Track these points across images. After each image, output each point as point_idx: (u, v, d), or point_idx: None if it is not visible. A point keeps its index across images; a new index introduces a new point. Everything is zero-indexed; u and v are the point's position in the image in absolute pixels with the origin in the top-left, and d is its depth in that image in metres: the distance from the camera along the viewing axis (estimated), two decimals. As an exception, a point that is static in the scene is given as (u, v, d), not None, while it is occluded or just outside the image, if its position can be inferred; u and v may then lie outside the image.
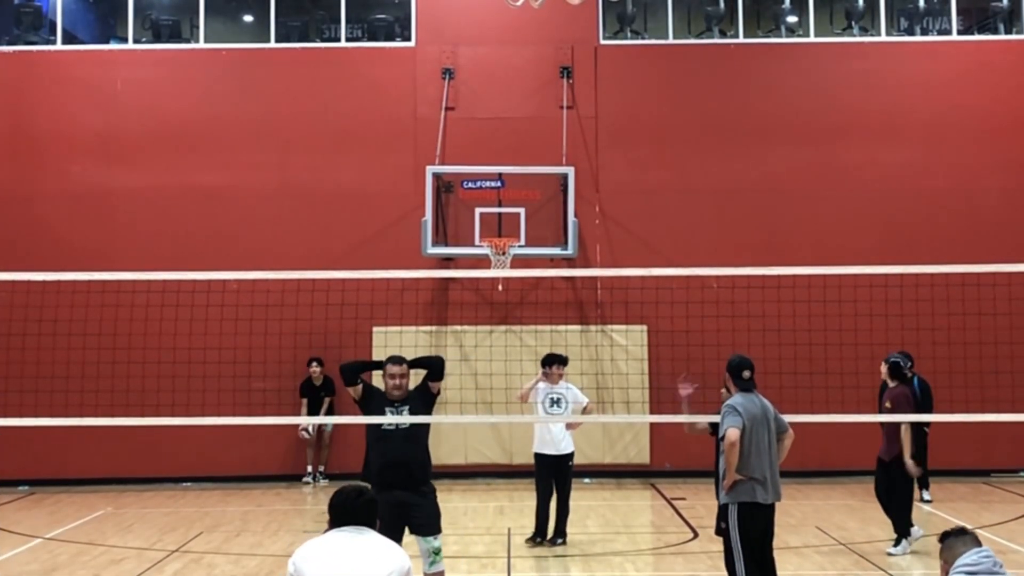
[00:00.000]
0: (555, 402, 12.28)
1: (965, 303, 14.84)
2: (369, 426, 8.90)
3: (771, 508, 8.56)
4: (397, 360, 8.86)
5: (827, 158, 18.06)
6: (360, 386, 8.85)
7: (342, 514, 5.27)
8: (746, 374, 8.61)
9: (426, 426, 8.93)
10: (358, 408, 9.04)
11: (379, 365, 9.01)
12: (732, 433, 8.30)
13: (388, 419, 8.75)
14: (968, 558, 5.25)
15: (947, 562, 5.32)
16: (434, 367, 8.98)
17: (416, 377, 8.96)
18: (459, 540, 12.86)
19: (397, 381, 8.77)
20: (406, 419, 8.74)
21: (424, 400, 8.89)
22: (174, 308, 15.02)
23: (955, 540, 5.40)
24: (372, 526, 5.25)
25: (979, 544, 5.37)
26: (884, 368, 12.46)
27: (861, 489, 15.97)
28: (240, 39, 19.48)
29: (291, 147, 18.10)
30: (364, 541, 5.12)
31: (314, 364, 17.18)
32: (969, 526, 5.57)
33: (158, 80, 18.37)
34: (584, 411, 12.48)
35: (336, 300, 15.09)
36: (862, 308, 15.38)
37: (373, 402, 8.86)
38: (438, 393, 9.01)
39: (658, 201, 17.96)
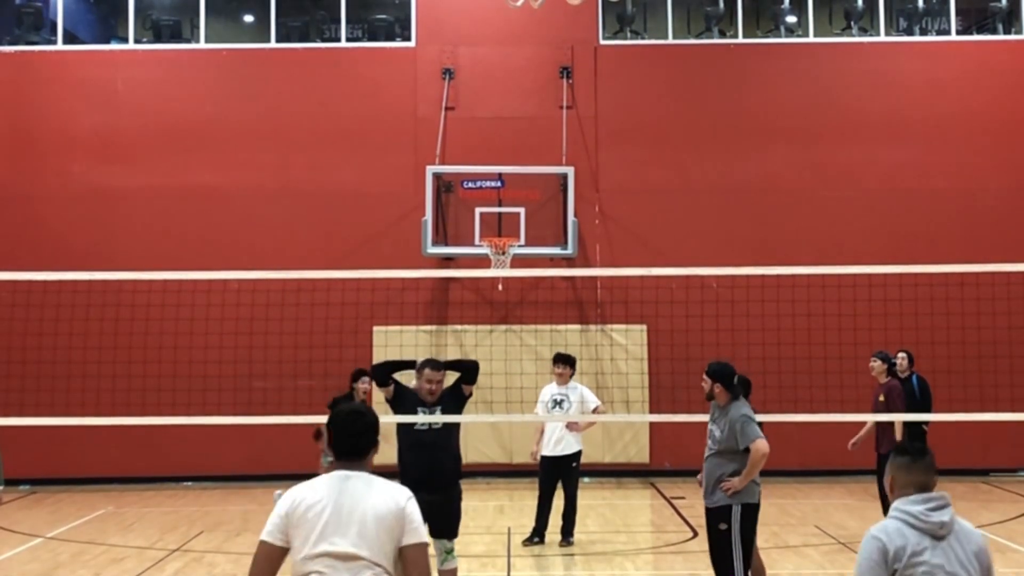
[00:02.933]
0: (557, 403, 12.28)
1: (965, 303, 14.87)
2: (401, 426, 8.88)
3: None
4: (435, 365, 8.84)
5: (827, 158, 18.08)
6: (392, 386, 8.83)
7: (344, 439, 4.83)
8: (736, 380, 8.65)
9: (456, 427, 8.92)
10: (389, 408, 9.01)
11: (411, 364, 8.96)
12: (764, 444, 8.34)
13: (420, 418, 8.75)
14: (914, 506, 4.61)
15: (895, 481, 4.71)
16: (469, 371, 8.96)
17: (447, 378, 8.96)
18: (459, 539, 12.82)
19: (433, 387, 8.75)
20: (439, 418, 8.74)
21: (456, 402, 8.88)
22: (174, 308, 15.06)
23: (909, 462, 4.72)
24: (371, 448, 4.85)
25: (932, 473, 4.72)
26: (879, 364, 12.55)
27: (860, 488, 15.99)
28: (240, 39, 19.51)
29: (291, 147, 18.11)
30: (357, 482, 4.73)
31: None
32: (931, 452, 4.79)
33: (158, 80, 18.38)
34: (594, 413, 12.44)
35: (336, 300, 15.12)
36: (862, 308, 15.41)
37: (406, 402, 8.84)
38: (470, 395, 8.99)
39: (658, 201, 17.97)
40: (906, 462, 4.71)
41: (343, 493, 4.72)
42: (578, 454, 12.37)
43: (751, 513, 8.48)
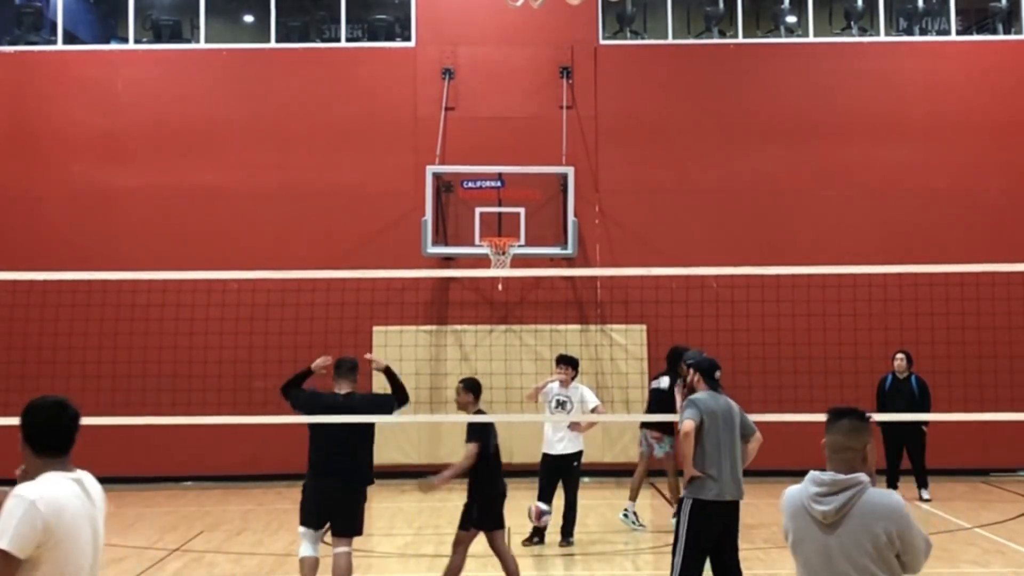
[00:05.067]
0: (560, 404, 12.30)
1: (965, 303, 14.86)
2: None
3: (731, 506, 8.54)
4: None
5: (827, 158, 18.08)
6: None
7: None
8: (717, 374, 8.74)
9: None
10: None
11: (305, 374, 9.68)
12: (687, 424, 8.41)
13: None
14: (810, 486, 4.55)
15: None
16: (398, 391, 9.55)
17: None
18: (459, 539, 12.87)
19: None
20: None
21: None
22: (174, 308, 15.06)
23: (827, 421, 4.62)
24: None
25: (846, 436, 4.51)
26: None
27: (861, 488, 15.99)
28: (240, 39, 19.51)
29: (291, 147, 18.11)
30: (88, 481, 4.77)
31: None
32: (868, 413, 4.62)
33: (158, 80, 18.39)
34: (593, 413, 12.47)
35: (336, 300, 15.11)
36: (862, 308, 15.42)
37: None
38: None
39: (658, 201, 17.97)
40: (826, 421, 4.63)
41: (89, 498, 4.41)
42: (579, 454, 12.43)
43: (704, 510, 8.34)
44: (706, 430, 8.41)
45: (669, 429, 13.08)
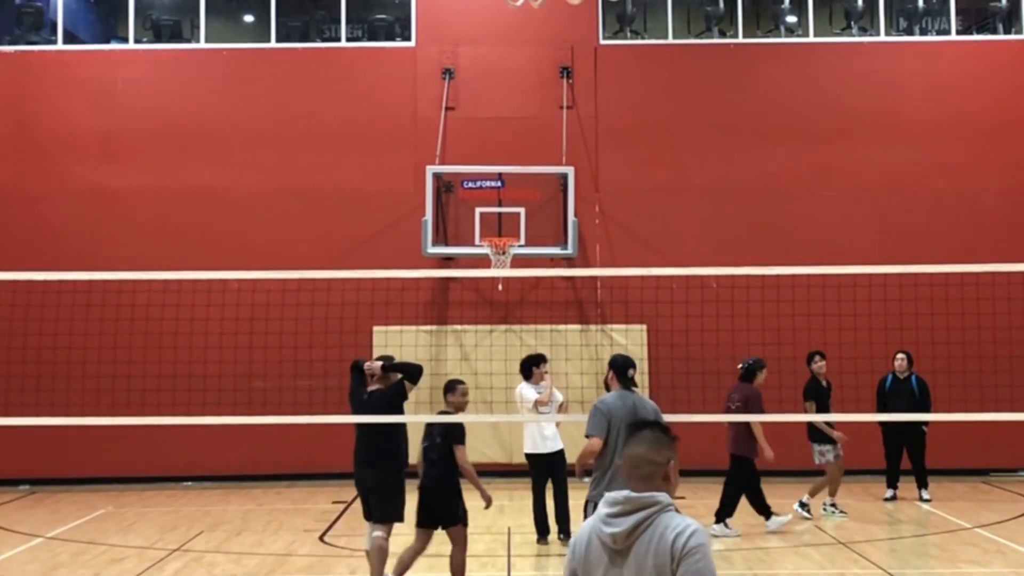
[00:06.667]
0: (544, 401, 12.29)
1: (965, 303, 14.87)
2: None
3: None
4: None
5: (827, 158, 18.07)
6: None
7: None
8: (631, 372, 8.54)
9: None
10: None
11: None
12: (594, 443, 8.17)
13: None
14: (603, 507, 3.94)
15: None
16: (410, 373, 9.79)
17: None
18: (459, 539, 12.87)
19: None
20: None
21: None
22: (174, 308, 15.07)
23: (630, 433, 4.05)
24: None
25: (644, 448, 3.92)
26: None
27: (859, 488, 16.00)
28: (240, 39, 19.51)
29: (291, 147, 18.11)
30: None
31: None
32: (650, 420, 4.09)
33: (158, 80, 18.38)
34: (560, 408, 12.48)
35: (336, 300, 15.12)
36: (862, 308, 15.43)
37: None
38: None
39: (658, 201, 17.97)
40: (627, 436, 4.06)
41: None
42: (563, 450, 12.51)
43: None
44: (613, 432, 8.18)
45: (828, 438, 13.77)
